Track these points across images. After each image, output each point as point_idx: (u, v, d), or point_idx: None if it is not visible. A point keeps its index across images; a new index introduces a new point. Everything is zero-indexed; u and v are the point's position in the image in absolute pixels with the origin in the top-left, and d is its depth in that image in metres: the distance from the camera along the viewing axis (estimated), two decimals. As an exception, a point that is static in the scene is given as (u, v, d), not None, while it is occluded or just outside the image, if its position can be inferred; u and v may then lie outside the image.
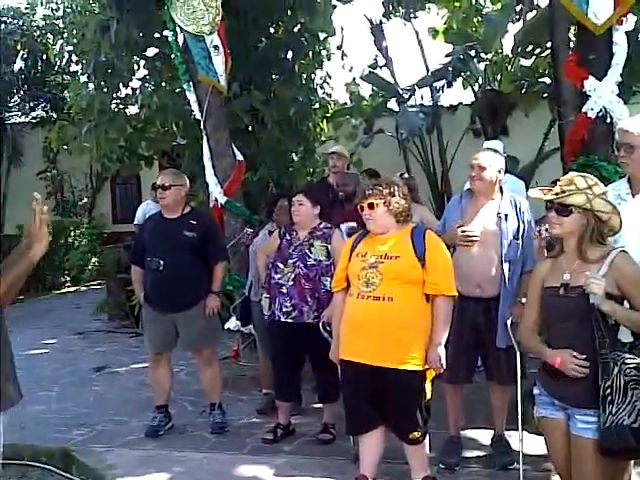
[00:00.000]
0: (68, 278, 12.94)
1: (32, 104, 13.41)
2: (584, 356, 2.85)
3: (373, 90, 11.70)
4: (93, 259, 12.56)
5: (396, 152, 10.97)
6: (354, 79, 11.69)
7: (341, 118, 11.14)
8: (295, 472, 4.40)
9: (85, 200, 14.49)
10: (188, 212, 5.06)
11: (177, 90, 8.22)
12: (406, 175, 6.59)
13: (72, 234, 12.93)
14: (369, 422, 3.83)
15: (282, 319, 4.75)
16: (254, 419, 5.45)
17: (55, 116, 12.37)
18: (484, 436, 4.69)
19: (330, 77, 10.23)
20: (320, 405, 5.07)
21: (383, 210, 3.78)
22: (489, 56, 10.40)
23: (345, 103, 11.75)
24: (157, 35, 8.41)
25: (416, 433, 3.76)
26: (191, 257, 4.93)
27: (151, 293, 5.03)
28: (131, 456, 4.78)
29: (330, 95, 10.58)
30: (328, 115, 10.66)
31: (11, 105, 13.41)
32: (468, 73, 10.24)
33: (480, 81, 10.49)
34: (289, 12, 8.89)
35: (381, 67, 11.25)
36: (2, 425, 2.69)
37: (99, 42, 8.37)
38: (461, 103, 11.41)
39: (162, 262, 4.87)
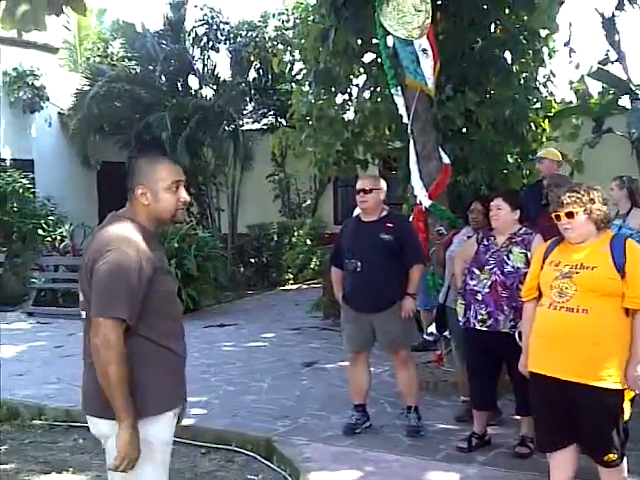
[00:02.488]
0: (290, 276, 13.62)
1: (263, 112, 14.30)
2: None
3: (603, 87, 11.04)
4: (314, 258, 13.10)
5: (627, 153, 10.25)
6: (582, 76, 11.11)
7: (564, 118, 10.63)
8: (486, 484, 4.32)
9: (309, 202, 15.17)
10: (385, 215, 5.14)
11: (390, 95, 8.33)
12: (626, 178, 6.17)
13: (295, 234, 13.59)
14: (559, 440, 3.64)
15: (477, 327, 4.66)
16: (451, 425, 5.39)
17: (283, 123, 13.06)
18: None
19: (554, 75, 9.81)
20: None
21: (583, 219, 3.56)
22: None
23: (570, 102, 11.20)
24: (375, 41, 8.60)
25: (612, 455, 3.51)
26: (388, 259, 5.00)
27: (349, 294, 5.17)
28: (327, 451, 4.94)
29: (552, 94, 10.15)
30: (550, 115, 10.24)
31: (245, 113, 14.39)
32: None
33: None
34: (507, 10, 8.68)
35: (612, 62, 10.60)
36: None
37: (319, 50, 8.73)
38: (703, 99, 10.38)
39: (359, 264, 5.00)
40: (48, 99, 13.99)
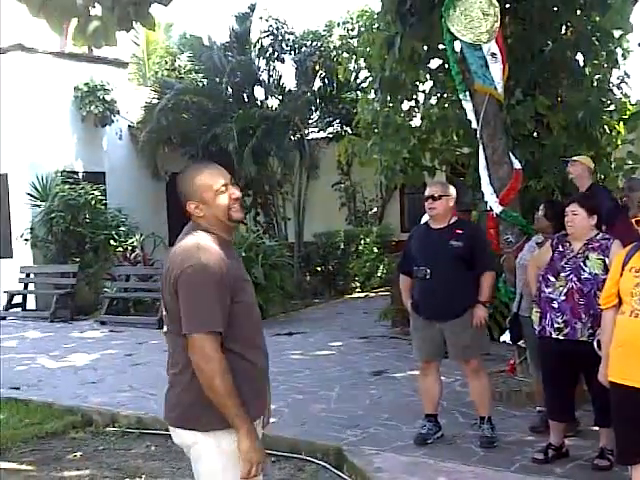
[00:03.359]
0: (358, 284, 13.57)
1: (328, 120, 14.31)
2: None
3: (683, 88, 10.68)
4: (380, 266, 13.03)
5: None
6: (658, 77, 10.78)
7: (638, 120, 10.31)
8: (564, 497, 4.18)
9: (375, 209, 15.11)
10: (454, 222, 5.06)
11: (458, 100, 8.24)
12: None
13: (362, 242, 13.54)
14: (642, 452, 3.50)
15: (553, 335, 4.53)
16: (526, 436, 5.25)
17: (349, 131, 13.05)
18: None
19: (629, 76, 9.54)
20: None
21: None
22: None
23: (646, 103, 10.87)
24: (441, 47, 8.53)
25: (699, 470, 3.36)
26: (458, 266, 4.92)
27: (418, 301, 5.10)
28: (397, 461, 4.88)
29: (627, 95, 9.86)
30: (625, 117, 9.95)
31: (310, 122, 14.44)
32: None
33: None
34: (578, 12, 8.49)
35: (689, 62, 10.25)
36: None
37: (385, 57, 8.69)
38: None
39: (429, 271, 4.93)
40: (118, 112, 14.32)
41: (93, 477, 5.13)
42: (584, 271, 4.47)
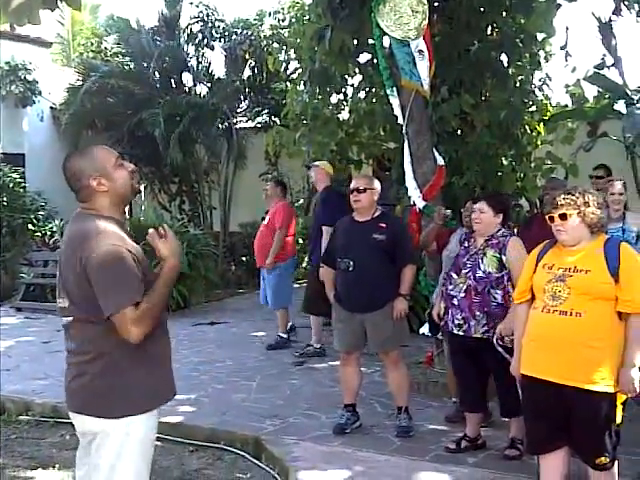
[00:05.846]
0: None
1: (257, 110, 14.23)
2: None
3: (598, 92, 11.05)
4: (306, 257, 13.04)
5: (622, 157, 10.26)
6: (578, 80, 11.12)
7: (559, 121, 10.64)
8: (475, 485, 4.30)
9: (302, 201, 15.11)
10: (378, 215, 5.13)
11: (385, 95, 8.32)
12: (619, 182, 6.15)
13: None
14: (550, 442, 3.62)
15: (454, 331, 4.70)
16: (442, 426, 5.39)
17: (277, 122, 13.00)
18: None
19: (550, 79, 9.83)
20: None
21: (577, 221, 3.55)
22: None
23: (566, 105, 11.21)
24: (370, 41, 8.58)
25: (603, 458, 3.50)
26: (380, 259, 5.00)
27: (341, 293, 5.16)
28: (316, 450, 4.93)
29: (548, 97, 10.16)
30: (545, 118, 10.25)
31: (239, 111, 14.32)
32: None
33: None
34: (504, 14, 8.68)
35: (609, 67, 10.60)
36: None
37: (315, 50, 8.69)
38: (696, 105, 10.39)
39: (352, 263, 4.99)
40: (40, 93, 13.90)
41: (4, 466, 4.98)
42: (479, 269, 4.63)
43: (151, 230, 2.80)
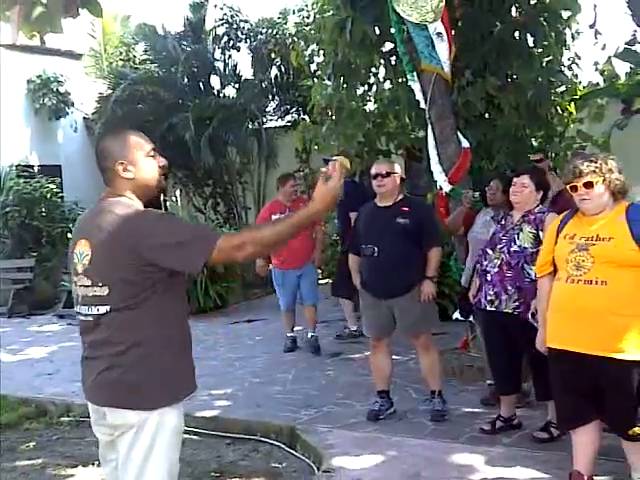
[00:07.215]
0: (319, 270, 13.50)
1: (285, 108, 14.26)
2: None
3: (630, 68, 10.82)
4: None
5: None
6: (609, 57, 10.91)
7: (590, 100, 10.44)
8: (510, 464, 4.26)
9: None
10: (401, 199, 5.09)
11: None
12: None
13: (323, 229, 13.49)
14: (582, 416, 3.57)
15: (487, 308, 4.60)
16: (477, 409, 5.35)
17: (306, 119, 13.00)
18: None
19: (579, 57, 9.65)
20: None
21: (602, 189, 3.49)
22: None
23: (597, 84, 11.00)
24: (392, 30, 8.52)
25: (637, 429, 3.43)
26: (405, 244, 4.95)
27: (367, 279, 5.14)
28: (350, 437, 4.92)
29: (577, 76, 9.98)
30: (576, 97, 10.07)
31: (267, 110, 14.37)
32: None
33: None
34: (527, -8, 8.55)
35: (640, 43, 10.39)
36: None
37: (336, 42, 8.67)
38: None
39: (376, 249, 4.96)
40: (73, 104, 14.15)
41: (45, 465, 5.09)
42: (514, 244, 4.54)
43: (323, 169, 2.69)
